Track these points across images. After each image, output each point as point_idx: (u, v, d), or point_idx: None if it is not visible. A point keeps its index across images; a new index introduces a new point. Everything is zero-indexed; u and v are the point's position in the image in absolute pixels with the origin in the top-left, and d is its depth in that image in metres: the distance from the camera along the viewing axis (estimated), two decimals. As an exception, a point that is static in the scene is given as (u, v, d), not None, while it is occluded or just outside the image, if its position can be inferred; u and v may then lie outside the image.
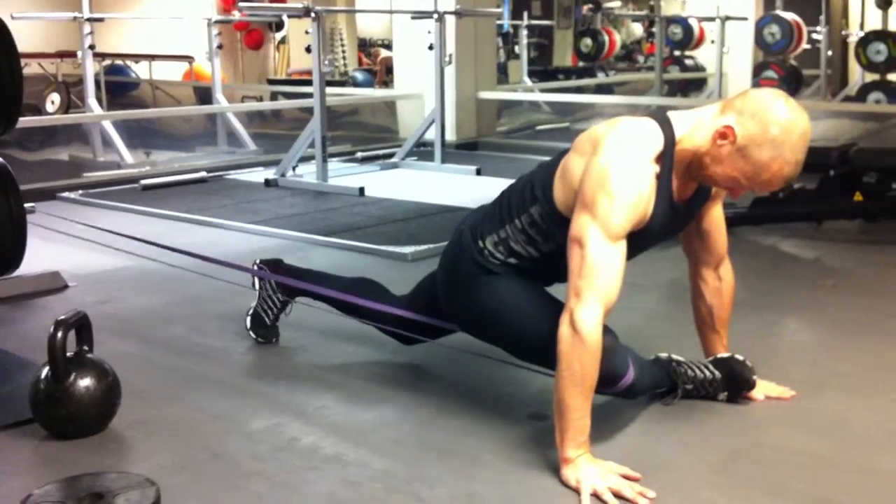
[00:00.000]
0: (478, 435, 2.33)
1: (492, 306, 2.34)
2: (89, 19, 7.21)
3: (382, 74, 13.64)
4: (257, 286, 3.00)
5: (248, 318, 3.01)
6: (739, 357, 2.48)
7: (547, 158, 2.34)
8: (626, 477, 2.05)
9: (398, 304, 2.74)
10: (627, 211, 2.06)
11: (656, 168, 2.12)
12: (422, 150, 7.38)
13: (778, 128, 2.04)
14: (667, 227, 2.26)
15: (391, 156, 7.36)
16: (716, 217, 2.46)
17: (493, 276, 2.34)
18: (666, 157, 2.14)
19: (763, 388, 2.51)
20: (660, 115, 2.19)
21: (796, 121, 2.06)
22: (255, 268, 3.00)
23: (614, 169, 2.06)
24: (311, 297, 2.95)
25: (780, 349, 3.01)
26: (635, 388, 2.30)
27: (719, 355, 2.52)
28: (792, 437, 2.30)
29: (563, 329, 2.05)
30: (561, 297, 2.17)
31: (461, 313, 2.47)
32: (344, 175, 6.64)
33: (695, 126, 2.16)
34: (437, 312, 2.59)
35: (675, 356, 2.51)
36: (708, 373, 2.47)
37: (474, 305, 2.38)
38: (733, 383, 2.47)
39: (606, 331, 2.11)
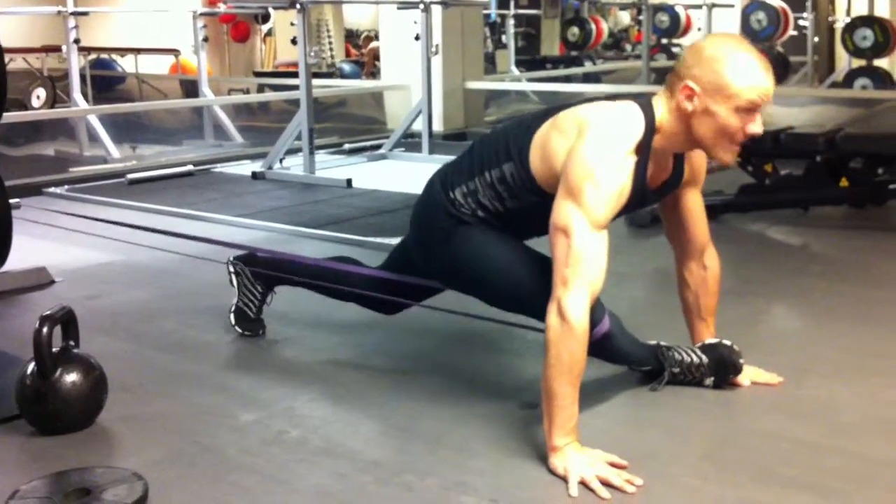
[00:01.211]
0: (467, 425, 2.33)
1: (469, 257, 2.35)
2: (74, 13, 7.17)
3: (370, 65, 13.61)
4: (234, 282, 3.00)
5: (232, 315, 3.01)
6: (727, 342, 2.49)
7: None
8: (613, 465, 2.05)
9: (375, 273, 2.75)
10: (612, 201, 2.09)
11: (635, 158, 2.13)
12: (409, 141, 7.37)
13: (720, 50, 2.13)
14: (633, 207, 2.27)
15: (379, 147, 7.35)
16: (695, 205, 2.47)
17: (467, 227, 2.35)
18: (644, 147, 2.16)
19: (750, 375, 2.52)
20: (643, 100, 2.20)
21: (731, 37, 2.22)
22: (230, 265, 2.99)
23: (600, 159, 2.07)
24: (290, 284, 2.94)
25: (768, 336, 3.02)
26: (612, 340, 2.30)
27: (707, 341, 2.53)
28: (779, 424, 2.31)
29: (551, 318, 2.05)
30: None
31: (439, 266, 2.48)
32: (331, 167, 6.62)
33: (667, 109, 2.18)
34: (413, 275, 2.60)
35: (663, 343, 2.52)
36: (695, 357, 2.48)
37: (452, 256, 2.39)
38: (721, 368, 2.48)
39: None
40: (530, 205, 2.26)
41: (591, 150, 2.08)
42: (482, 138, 2.44)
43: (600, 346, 2.28)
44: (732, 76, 2.09)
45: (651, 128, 2.17)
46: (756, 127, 2.14)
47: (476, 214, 2.34)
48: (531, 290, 2.23)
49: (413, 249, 2.54)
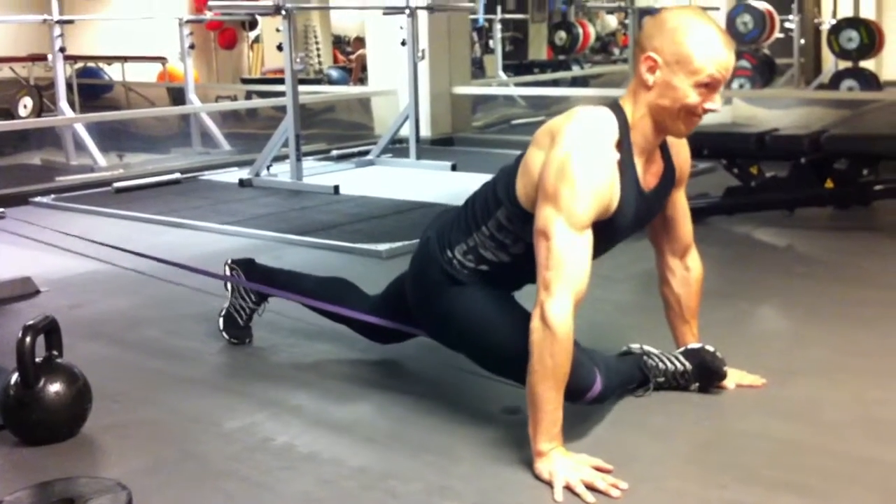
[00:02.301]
0: (452, 430, 2.33)
1: (460, 318, 2.32)
2: (59, 21, 7.15)
3: (358, 71, 13.60)
4: (229, 287, 2.99)
5: (221, 319, 3.00)
6: (710, 348, 2.49)
7: (519, 152, 2.34)
8: (598, 469, 2.05)
9: (370, 305, 2.74)
10: (590, 199, 2.06)
11: (617, 155, 2.12)
12: (397, 147, 7.37)
13: (684, 21, 2.13)
14: (638, 216, 2.26)
15: (366, 153, 7.34)
16: (680, 204, 2.46)
17: (461, 287, 2.32)
18: (625, 143, 2.15)
19: (735, 377, 2.52)
20: (612, 102, 2.21)
21: (694, 10, 2.22)
22: (227, 268, 2.99)
23: (574, 158, 2.06)
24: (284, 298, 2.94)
25: (753, 337, 3.02)
26: (604, 395, 2.29)
27: (690, 346, 2.52)
28: (764, 424, 2.31)
29: (535, 322, 2.05)
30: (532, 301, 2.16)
31: (430, 323, 2.47)
32: (319, 173, 6.62)
33: (633, 101, 2.19)
34: (408, 315, 2.58)
35: (646, 347, 2.52)
36: (679, 364, 2.48)
37: (443, 316, 2.37)
38: (705, 374, 2.48)
39: None
40: (532, 242, 2.15)
41: (565, 151, 2.08)
42: (474, 194, 2.40)
43: (596, 401, 2.28)
44: (694, 50, 2.09)
45: (625, 124, 2.17)
46: (714, 104, 2.14)
47: (478, 270, 2.32)
48: (522, 357, 2.10)
49: (409, 298, 2.51)
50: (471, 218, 2.33)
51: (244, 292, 2.97)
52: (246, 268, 2.98)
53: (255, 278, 2.96)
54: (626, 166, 2.15)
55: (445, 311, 2.36)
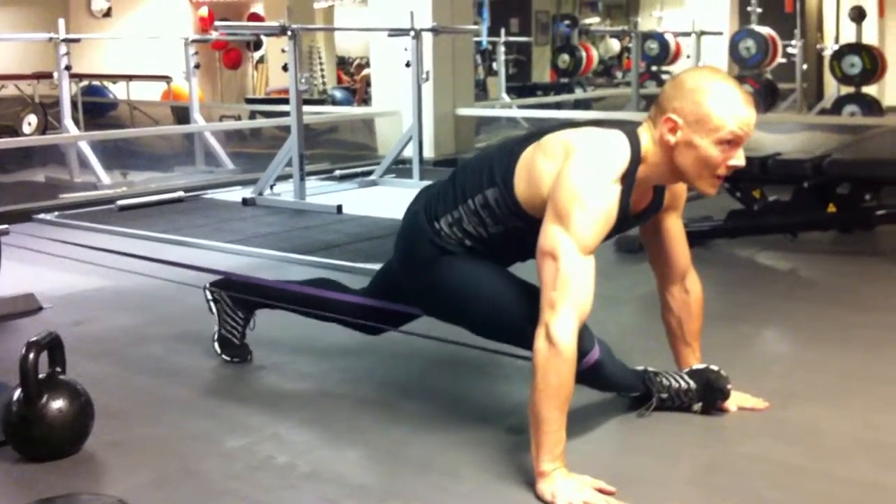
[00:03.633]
0: (455, 449, 2.33)
1: (454, 286, 2.34)
2: (65, 40, 7.20)
3: (362, 92, 13.66)
4: (214, 309, 2.98)
5: (216, 344, 2.99)
6: (714, 367, 2.49)
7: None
8: (601, 490, 2.04)
9: (359, 294, 2.75)
10: (600, 226, 2.09)
11: (620, 187, 2.14)
12: (400, 168, 7.39)
13: (702, 81, 2.15)
14: (611, 234, 2.27)
15: (369, 173, 7.36)
16: (676, 230, 2.48)
17: (452, 256, 2.35)
18: (629, 176, 2.17)
19: (737, 400, 2.52)
20: (628, 128, 2.22)
21: (713, 69, 2.25)
22: (207, 291, 2.98)
23: (589, 184, 2.08)
24: (270, 308, 2.93)
25: (755, 360, 3.02)
26: (602, 369, 2.30)
27: (694, 366, 2.53)
28: (766, 448, 2.31)
29: (540, 342, 2.05)
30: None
31: (424, 296, 2.48)
32: (322, 193, 6.63)
33: (651, 139, 2.20)
34: (397, 299, 2.60)
35: (650, 368, 2.52)
36: (683, 383, 2.48)
37: (437, 287, 2.38)
38: (708, 393, 2.48)
39: None
40: (514, 229, 2.27)
41: (580, 173, 2.09)
42: (463, 165, 2.44)
43: (590, 375, 2.28)
44: (714, 108, 2.11)
45: (636, 157, 2.18)
46: (738, 160, 2.16)
47: (462, 243, 2.35)
48: (517, 318, 2.22)
49: (400, 276, 2.53)
50: (459, 189, 2.35)
51: (231, 312, 2.97)
52: (226, 287, 2.97)
53: (237, 293, 2.95)
54: (623, 195, 2.17)
55: (439, 282, 2.37)
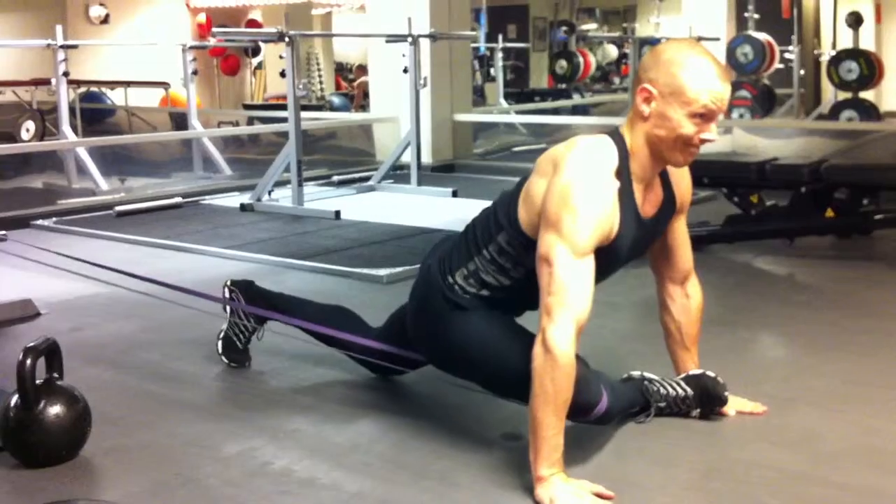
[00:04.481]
0: (452, 456, 2.32)
1: (464, 344, 2.32)
2: (63, 46, 7.20)
3: (360, 98, 13.67)
4: (228, 309, 2.98)
5: (220, 343, 3.00)
6: (711, 373, 2.49)
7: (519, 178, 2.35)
8: (599, 496, 2.04)
9: (372, 336, 2.73)
10: (592, 227, 2.08)
11: (617, 183, 2.14)
12: (398, 173, 7.39)
13: (678, 54, 2.15)
14: (637, 243, 2.28)
15: (367, 179, 7.36)
16: (680, 232, 2.48)
17: (463, 313, 2.32)
18: (624, 171, 2.17)
19: (735, 404, 2.52)
20: (612, 130, 2.23)
21: (690, 42, 2.25)
22: (226, 289, 2.98)
23: (576, 186, 2.08)
24: (283, 322, 2.93)
25: (753, 365, 3.02)
26: (610, 414, 2.29)
27: (691, 372, 2.52)
28: (764, 453, 2.31)
29: (537, 348, 2.05)
30: (535, 325, 2.16)
31: (433, 350, 2.46)
32: (320, 199, 6.63)
33: (631, 129, 2.21)
34: (409, 346, 2.58)
35: (647, 374, 2.52)
36: (680, 390, 2.48)
37: (446, 343, 2.37)
38: (706, 400, 2.48)
39: (577, 359, 2.09)
40: (533, 267, 2.16)
41: (567, 179, 2.10)
42: (474, 220, 2.41)
43: (601, 420, 2.28)
44: (688, 81, 2.11)
45: (624, 153, 2.19)
46: (711, 133, 2.16)
47: (479, 295, 2.32)
48: (524, 376, 2.11)
49: (410, 327, 2.51)
50: (472, 242, 2.34)
51: (243, 315, 2.96)
52: (245, 290, 2.97)
53: (254, 301, 2.95)
54: (625, 194, 2.16)
55: (449, 337, 2.35)
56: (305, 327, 2.85)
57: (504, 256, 2.28)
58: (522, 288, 2.28)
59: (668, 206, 2.35)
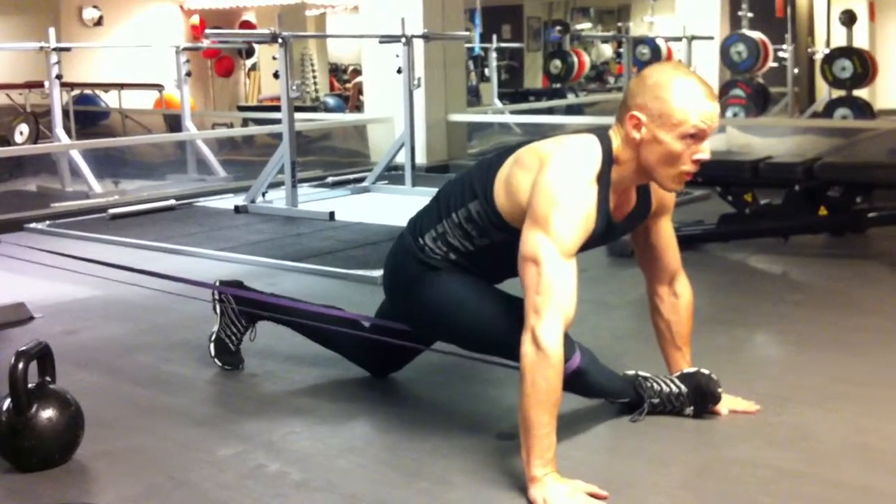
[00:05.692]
0: (446, 456, 2.32)
1: (439, 302, 2.36)
2: (56, 49, 7.19)
3: (355, 99, 13.66)
4: (218, 310, 2.98)
5: (212, 346, 2.99)
6: (705, 371, 2.49)
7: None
8: (593, 495, 2.04)
9: (365, 332, 2.74)
10: (579, 228, 2.11)
11: (596, 188, 2.16)
12: (392, 174, 7.39)
13: (663, 77, 2.15)
14: (597, 242, 2.29)
15: (362, 180, 7.36)
16: (665, 232, 2.49)
17: (437, 273, 2.37)
18: (604, 177, 2.19)
19: (728, 403, 2.52)
20: (600, 131, 2.24)
21: (675, 65, 2.27)
22: (216, 293, 2.97)
23: (565, 188, 2.10)
24: (274, 322, 2.92)
25: (747, 363, 3.02)
26: (585, 376, 2.29)
27: (685, 370, 2.53)
28: (758, 452, 2.31)
29: (526, 347, 2.05)
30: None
31: (412, 314, 2.49)
32: (314, 200, 6.63)
33: (621, 140, 2.21)
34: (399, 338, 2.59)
35: (641, 373, 2.52)
36: (674, 387, 2.48)
37: (424, 304, 2.40)
38: (700, 397, 2.48)
39: None
40: (499, 242, 2.28)
41: (555, 179, 2.11)
42: (447, 183, 2.47)
43: (572, 382, 2.26)
44: (676, 103, 2.12)
45: (609, 158, 2.20)
46: (703, 153, 2.16)
47: (447, 258, 2.37)
48: (504, 332, 2.22)
49: (387, 296, 2.54)
50: (443, 205, 2.39)
51: (234, 316, 2.96)
52: (236, 291, 2.97)
53: (244, 301, 2.95)
54: (601, 198, 2.18)
55: (426, 299, 2.39)
56: (299, 322, 2.85)
57: (471, 224, 2.32)
58: (484, 257, 2.33)
59: (641, 211, 2.38)
